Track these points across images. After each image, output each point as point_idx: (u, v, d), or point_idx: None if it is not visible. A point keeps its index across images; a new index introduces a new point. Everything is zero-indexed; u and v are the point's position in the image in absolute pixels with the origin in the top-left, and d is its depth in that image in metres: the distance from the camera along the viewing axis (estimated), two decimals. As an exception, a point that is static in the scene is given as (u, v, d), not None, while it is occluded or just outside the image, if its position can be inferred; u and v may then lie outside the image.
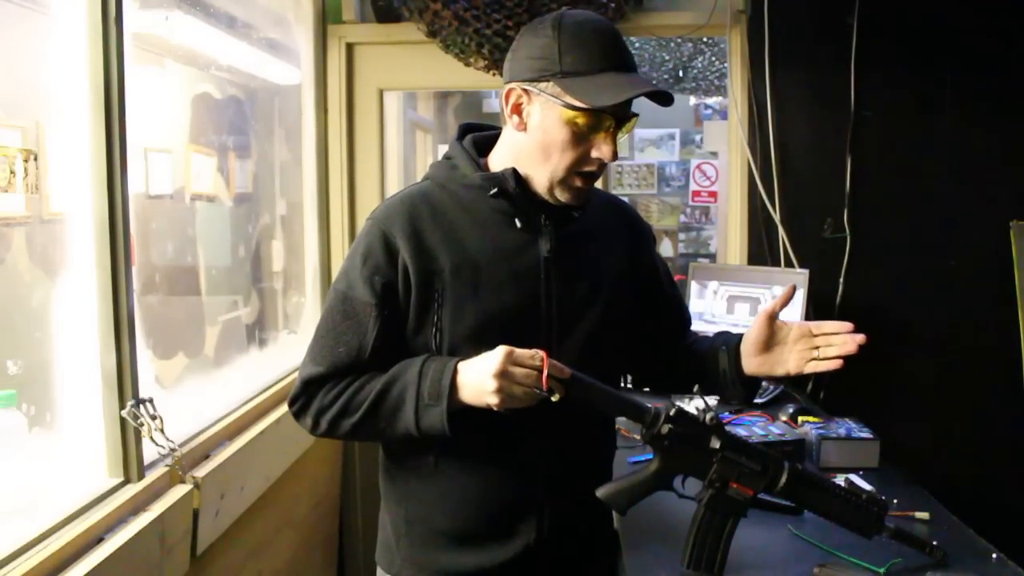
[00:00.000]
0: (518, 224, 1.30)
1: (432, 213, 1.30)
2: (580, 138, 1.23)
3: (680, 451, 1.24)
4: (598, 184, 1.37)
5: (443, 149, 1.42)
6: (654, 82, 3.45)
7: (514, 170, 1.28)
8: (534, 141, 1.27)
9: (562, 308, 1.30)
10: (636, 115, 1.29)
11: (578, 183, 1.27)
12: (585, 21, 1.25)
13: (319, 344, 1.30)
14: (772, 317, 1.34)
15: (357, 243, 1.32)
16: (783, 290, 1.34)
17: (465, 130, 1.39)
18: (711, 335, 1.51)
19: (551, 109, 1.23)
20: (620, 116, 1.24)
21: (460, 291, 1.26)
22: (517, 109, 1.27)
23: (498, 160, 1.33)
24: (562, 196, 1.28)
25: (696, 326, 2.66)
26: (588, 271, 1.34)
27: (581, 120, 1.22)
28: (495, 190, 1.28)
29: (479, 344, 1.23)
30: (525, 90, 1.25)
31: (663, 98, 1.27)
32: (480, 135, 1.38)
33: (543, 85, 1.23)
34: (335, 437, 1.33)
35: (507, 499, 1.31)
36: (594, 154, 1.24)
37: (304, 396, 1.30)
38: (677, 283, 1.64)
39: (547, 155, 1.26)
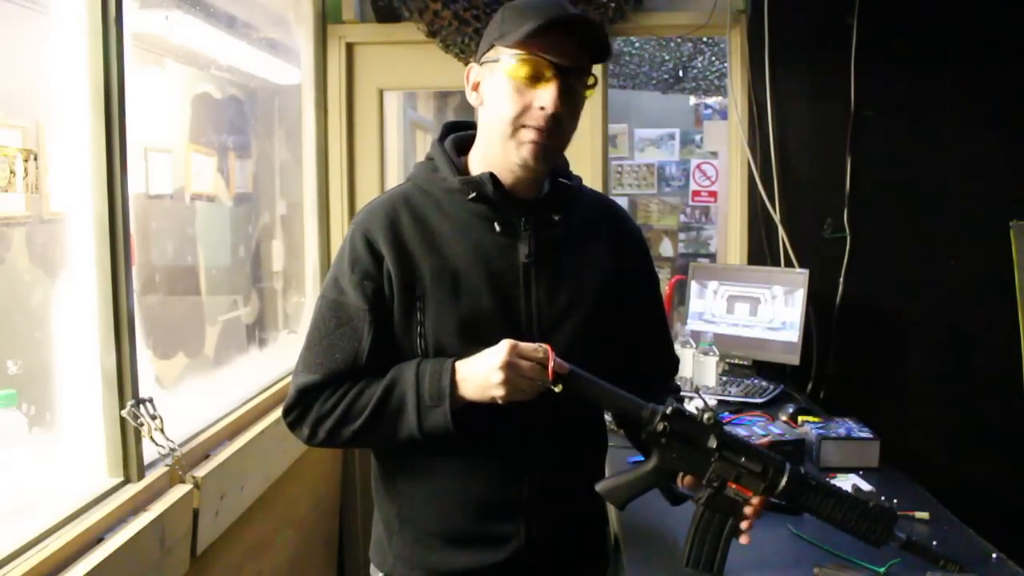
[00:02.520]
0: (497, 228, 1.29)
1: (412, 217, 1.30)
2: (521, 89, 1.23)
3: (678, 449, 1.24)
4: (597, 186, 1.35)
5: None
6: (653, 75, 3.40)
7: (491, 174, 1.28)
8: (488, 109, 1.28)
9: (542, 313, 1.29)
10: (591, 74, 1.26)
11: (528, 137, 1.24)
12: None
13: (312, 352, 1.29)
14: None
15: (342, 250, 1.31)
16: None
17: (448, 129, 1.39)
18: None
19: (496, 70, 1.26)
20: (563, 66, 1.22)
21: (441, 296, 1.26)
22: (476, 86, 1.31)
23: (476, 157, 1.33)
24: (517, 157, 1.25)
25: (696, 326, 2.71)
26: (569, 276, 1.32)
27: (519, 70, 1.22)
28: (473, 194, 1.28)
29: (463, 348, 1.24)
30: (481, 64, 1.30)
31: (599, 48, 1.24)
32: (461, 135, 1.37)
33: (489, 54, 1.27)
34: (331, 446, 1.31)
35: (495, 501, 1.30)
36: (536, 104, 1.23)
37: (300, 406, 1.28)
38: (668, 315, 1.52)
39: (497, 114, 1.26)
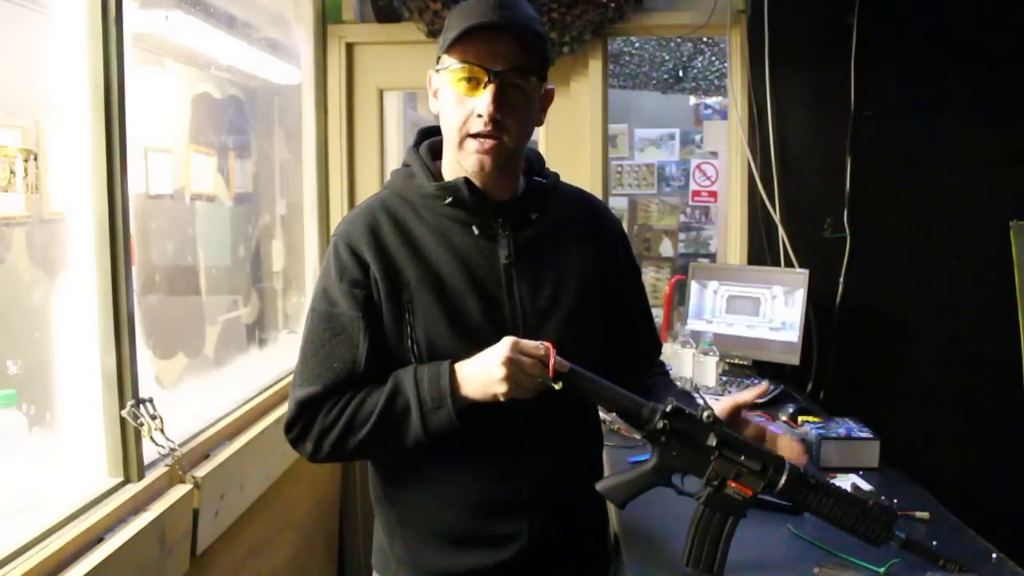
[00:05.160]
0: (475, 231, 1.30)
1: (393, 225, 1.30)
2: (462, 98, 1.24)
3: (677, 447, 1.24)
4: (593, 189, 1.35)
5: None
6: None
7: (466, 179, 1.28)
8: (442, 117, 1.30)
9: (526, 313, 1.30)
10: (533, 72, 1.25)
11: (473, 147, 1.26)
12: None
13: (309, 365, 1.28)
14: (740, 407, 1.36)
15: (327, 262, 1.32)
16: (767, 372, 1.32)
17: (423, 135, 1.40)
18: (672, 386, 1.47)
19: (443, 79, 1.28)
20: (495, 70, 1.22)
21: (427, 300, 1.26)
22: (436, 93, 1.32)
23: (446, 162, 1.34)
24: (467, 164, 1.27)
25: (696, 326, 2.71)
26: (551, 275, 1.33)
27: (455, 78, 1.24)
28: (450, 199, 1.29)
29: (455, 350, 1.24)
30: (437, 71, 1.30)
31: (533, 48, 1.24)
32: (436, 140, 1.38)
33: (440, 61, 1.28)
34: (335, 459, 1.31)
35: (495, 500, 1.30)
36: (475, 111, 1.24)
37: (302, 420, 1.28)
38: (651, 305, 1.53)
39: (447, 124, 1.28)
